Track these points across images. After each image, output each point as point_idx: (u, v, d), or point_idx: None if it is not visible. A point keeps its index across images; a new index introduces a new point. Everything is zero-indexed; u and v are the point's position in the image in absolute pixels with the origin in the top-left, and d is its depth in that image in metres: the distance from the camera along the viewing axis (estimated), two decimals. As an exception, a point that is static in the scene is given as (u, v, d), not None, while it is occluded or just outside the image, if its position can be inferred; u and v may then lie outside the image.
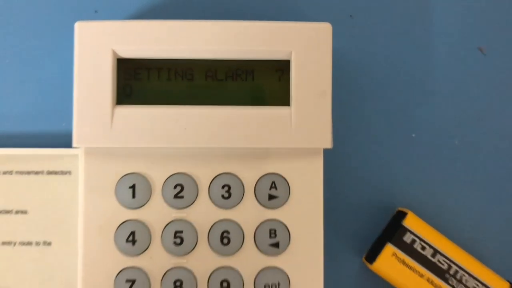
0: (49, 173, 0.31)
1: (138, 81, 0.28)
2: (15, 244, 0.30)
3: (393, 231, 0.29)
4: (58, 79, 0.32)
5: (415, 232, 0.29)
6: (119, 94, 0.27)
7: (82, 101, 0.27)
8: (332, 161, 0.31)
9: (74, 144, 0.27)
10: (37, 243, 0.30)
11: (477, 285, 0.28)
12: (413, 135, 0.32)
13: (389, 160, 0.32)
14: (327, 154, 0.29)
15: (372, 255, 0.29)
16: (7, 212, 0.30)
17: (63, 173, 0.31)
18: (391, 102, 0.32)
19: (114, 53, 0.27)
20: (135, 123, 0.27)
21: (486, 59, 0.32)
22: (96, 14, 0.32)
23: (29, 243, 0.30)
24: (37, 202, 0.30)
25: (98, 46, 0.27)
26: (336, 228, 0.31)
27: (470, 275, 0.29)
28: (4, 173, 0.30)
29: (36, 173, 0.31)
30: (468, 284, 0.29)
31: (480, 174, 0.32)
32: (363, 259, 0.30)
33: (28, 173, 0.31)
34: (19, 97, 0.32)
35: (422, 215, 0.30)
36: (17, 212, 0.30)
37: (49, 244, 0.30)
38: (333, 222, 0.31)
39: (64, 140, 0.30)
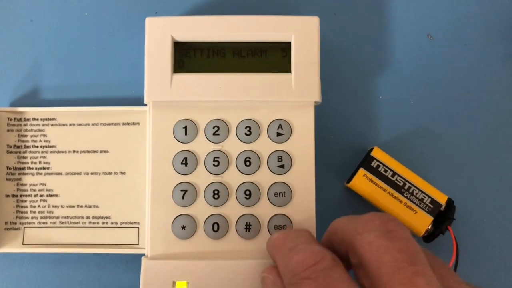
0: (124, 124, 0.37)
1: (188, 57, 0.34)
2: (100, 174, 0.37)
3: (364, 160, 0.36)
4: (129, 59, 0.38)
5: (380, 160, 0.36)
6: (175, 65, 0.34)
7: (151, 71, 0.34)
8: (322, 112, 0.37)
9: (145, 100, 0.34)
10: (115, 173, 0.37)
11: (424, 197, 0.35)
12: (380, 96, 0.39)
13: (364, 113, 0.38)
14: (319, 108, 0.35)
15: (350, 177, 0.36)
16: (94, 151, 0.37)
17: (134, 124, 0.37)
18: (364, 72, 0.39)
19: (172, 38, 0.34)
20: (187, 84, 0.34)
21: (433, 42, 0.39)
22: (156, 14, 0.39)
23: (110, 173, 0.37)
24: (115, 145, 0.37)
25: (161, 34, 0.34)
26: (325, 162, 0.37)
27: (419, 189, 0.35)
28: (92, 124, 0.37)
29: (115, 124, 0.37)
30: (417, 196, 0.35)
31: (427, 123, 0.38)
32: (345, 183, 0.37)
33: (109, 124, 0.37)
34: (102, 72, 0.39)
35: (387, 151, 0.36)
36: (101, 151, 0.37)
37: (124, 173, 0.37)
38: (323, 156, 0.37)
39: (134, 101, 0.37)
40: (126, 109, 0.37)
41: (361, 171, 0.36)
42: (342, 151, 0.38)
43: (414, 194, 0.36)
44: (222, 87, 0.34)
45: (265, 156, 0.35)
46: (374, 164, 0.36)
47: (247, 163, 0.34)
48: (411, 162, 0.37)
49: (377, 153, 0.36)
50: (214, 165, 0.34)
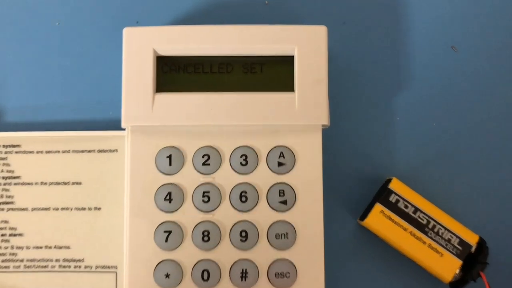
0: (100, 151, 0.34)
1: (173, 74, 0.32)
2: (71, 209, 0.34)
3: (381, 193, 0.33)
4: (106, 76, 0.36)
5: (399, 194, 0.33)
6: (158, 84, 0.32)
7: (129, 90, 0.31)
8: (331, 138, 0.35)
9: (123, 124, 0.31)
10: (89, 208, 0.34)
11: (452, 237, 0.32)
12: (397, 118, 0.36)
13: (379, 138, 0.36)
14: (326, 132, 0.33)
15: (364, 214, 0.33)
16: (65, 183, 0.34)
17: (111, 151, 0.34)
18: (378, 91, 0.36)
19: (155, 51, 0.31)
20: (171, 106, 0.31)
21: (457, 55, 0.36)
22: (137, 24, 0.36)
23: (83, 209, 0.34)
24: (89, 175, 0.34)
25: (141, 47, 0.31)
26: (334, 194, 0.35)
27: (445, 228, 0.33)
28: (63, 151, 0.34)
29: (89, 151, 0.34)
30: (444, 236, 0.32)
31: (453, 149, 0.35)
32: (358, 220, 0.34)
33: (82, 151, 0.34)
34: (75, 90, 0.36)
35: (406, 182, 0.33)
36: (73, 183, 0.34)
37: (99, 209, 0.34)
38: (332, 189, 0.35)
39: (111, 125, 0.35)
40: (102, 134, 0.35)
41: (378, 207, 0.33)
42: (353, 182, 0.36)
43: (440, 233, 0.33)
44: (213, 109, 0.32)
45: (264, 190, 0.32)
46: (392, 198, 0.33)
47: (243, 199, 0.32)
48: (435, 195, 0.35)
49: (395, 185, 0.33)
50: (203, 200, 0.32)
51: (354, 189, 0.35)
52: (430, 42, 0.37)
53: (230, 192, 0.32)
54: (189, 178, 0.32)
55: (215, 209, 0.31)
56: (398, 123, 0.36)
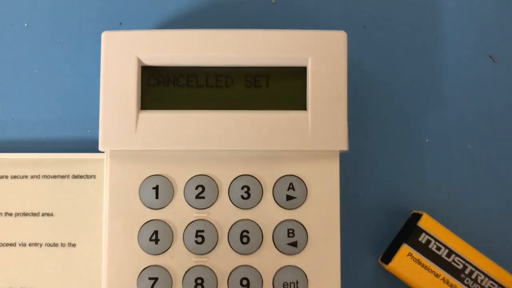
0: (74, 177, 0.32)
1: (161, 88, 0.29)
2: (41, 245, 0.31)
3: (408, 232, 0.30)
4: (84, 88, 0.34)
5: (430, 233, 0.30)
6: (143, 99, 0.29)
7: (108, 107, 0.28)
8: (349, 164, 0.32)
9: (100, 147, 0.28)
10: (62, 245, 0.31)
11: (493, 285, 0.30)
12: (427, 140, 0.33)
13: (404, 164, 0.33)
14: (344, 157, 0.30)
15: (388, 256, 0.30)
16: (34, 214, 0.31)
17: (87, 177, 0.32)
18: (405, 108, 0.34)
19: (139, 61, 0.28)
20: (158, 127, 0.28)
21: (497, 66, 0.33)
22: (120, 26, 0.33)
23: (55, 245, 0.31)
24: (62, 205, 0.32)
25: (123, 55, 0.28)
26: (352, 230, 0.32)
27: (485, 275, 0.30)
28: (32, 177, 0.32)
29: (62, 177, 0.32)
30: (483, 284, 0.30)
31: (492, 177, 0.33)
32: (379, 260, 0.31)
33: (55, 177, 0.32)
34: (46, 105, 0.34)
35: (436, 217, 0.30)
36: (43, 214, 0.32)
37: (74, 245, 0.31)
38: (349, 224, 0.32)
39: (89, 146, 0.32)
40: (78, 156, 0.32)
41: (405, 248, 0.30)
42: (374, 216, 0.33)
43: (479, 281, 0.30)
44: (209, 130, 0.28)
45: (270, 228, 0.29)
46: (422, 238, 0.30)
47: (244, 239, 0.28)
48: (473, 234, 0.32)
49: (426, 222, 0.30)
50: (197, 241, 0.28)
51: (375, 224, 0.33)
52: (465, 50, 0.34)
53: (229, 231, 0.29)
54: (179, 214, 0.29)
55: (210, 251, 0.28)
56: (428, 145, 0.33)
